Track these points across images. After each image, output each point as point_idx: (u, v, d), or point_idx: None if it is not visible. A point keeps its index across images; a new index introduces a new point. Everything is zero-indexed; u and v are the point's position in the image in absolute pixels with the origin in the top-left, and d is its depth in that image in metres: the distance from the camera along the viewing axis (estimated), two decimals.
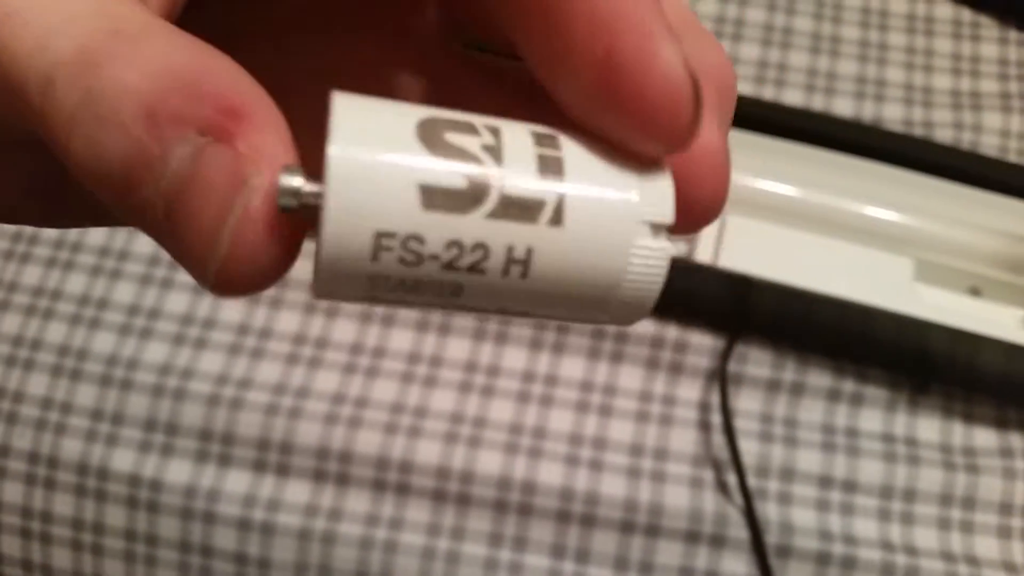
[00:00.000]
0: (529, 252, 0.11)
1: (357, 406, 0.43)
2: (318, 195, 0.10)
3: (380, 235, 0.10)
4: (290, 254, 0.11)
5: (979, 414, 0.44)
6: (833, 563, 0.40)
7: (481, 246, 0.10)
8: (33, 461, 0.43)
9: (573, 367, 0.45)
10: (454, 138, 0.10)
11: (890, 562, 0.40)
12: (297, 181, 0.10)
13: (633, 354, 0.45)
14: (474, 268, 0.11)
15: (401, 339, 0.45)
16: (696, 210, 0.13)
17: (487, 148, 0.10)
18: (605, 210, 0.11)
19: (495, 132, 0.11)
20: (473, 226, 0.10)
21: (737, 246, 0.43)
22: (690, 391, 0.44)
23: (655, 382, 0.44)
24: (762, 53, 0.53)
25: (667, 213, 0.12)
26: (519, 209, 0.10)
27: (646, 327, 0.45)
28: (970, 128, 0.50)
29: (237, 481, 0.42)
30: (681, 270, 0.43)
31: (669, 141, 0.11)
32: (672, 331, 0.45)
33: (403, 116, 0.10)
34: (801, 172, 0.45)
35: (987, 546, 0.41)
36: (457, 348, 0.45)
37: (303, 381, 0.44)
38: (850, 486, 0.42)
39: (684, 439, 0.43)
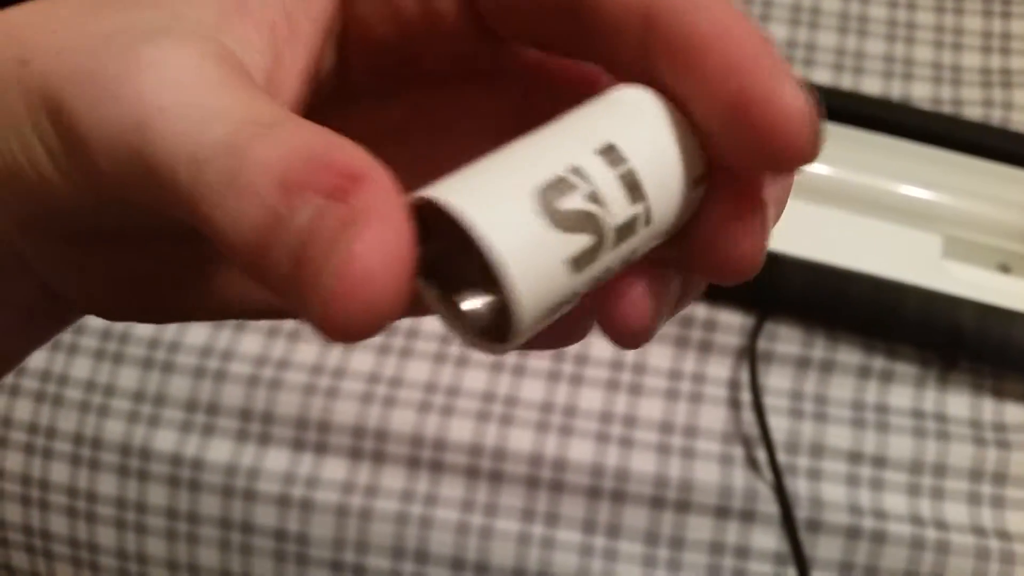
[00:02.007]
0: (635, 251, 0.14)
1: (392, 386, 0.44)
2: (498, 302, 0.12)
3: (551, 309, 0.13)
4: (403, 298, 0.11)
5: (1009, 390, 0.44)
6: (863, 537, 0.40)
7: (608, 269, 0.13)
8: (78, 442, 0.44)
9: (603, 347, 0.45)
10: (564, 202, 0.12)
11: (920, 536, 0.40)
12: (476, 302, 0.13)
13: (663, 333, 0.45)
14: (602, 278, 0.14)
15: (434, 321, 0.46)
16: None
17: (589, 196, 0.13)
18: (671, 194, 0.14)
19: (581, 174, 0.13)
20: (605, 259, 0.13)
21: None
22: (720, 369, 0.44)
23: (685, 360, 0.45)
24: (790, 33, 0.53)
25: (700, 167, 0.14)
26: (627, 229, 0.13)
27: None
28: (1000, 105, 0.50)
29: (276, 459, 0.43)
30: None
31: (788, 166, 0.13)
32: (701, 310, 0.45)
33: (518, 196, 0.12)
34: (830, 150, 0.45)
35: (1018, 520, 0.41)
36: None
37: (339, 362, 0.45)
38: (880, 461, 0.42)
39: (714, 416, 0.43)
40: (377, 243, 0.11)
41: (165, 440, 0.44)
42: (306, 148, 0.12)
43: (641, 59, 0.14)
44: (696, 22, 0.13)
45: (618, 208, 0.13)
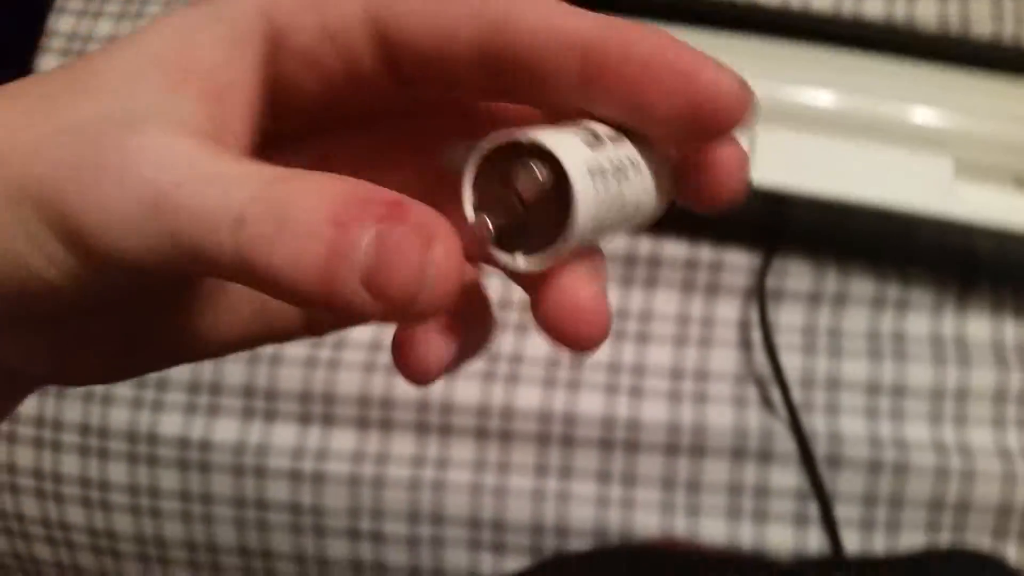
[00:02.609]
0: (629, 203, 0.17)
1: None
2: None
3: (595, 218, 0.15)
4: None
5: None
6: (885, 470, 0.39)
7: (620, 208, 0.16)
8: (85, 433, 0.44)
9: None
10: (596, 149, 0.16)
11: (944, 465, 0.39)
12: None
13: (667, 278, 0.44)
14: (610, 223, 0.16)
15: None
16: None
17: (608, 138, 0.16)
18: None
19: (599, 138, 0.16)
20: (619, 190, 0.16)
21: (769, 160, 0.41)
22: (728, 310, 0.43)
23: (692, 304, 0.44)
24: None
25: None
26: (623, 171, 0.16)
27: (678, 250, 0.44)
28: (1012, 19, 0.48)
29: (284, 435, 0.43)
30: None
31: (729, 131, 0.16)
32: (706, 252, 0.44)
33: (573, 139, 0.16)
34: (831, 77, 0.43)
35: None
36: (490, 287, 0.45)
37: (339, 333, 0.44)
38: (899, 391, 0.41)
39: (725, 359, 0.42)
40: (451, 250, 0.14)
41: (171, 424, 0.44)
42: (341, 187, 0.14)
43: (578, 92, 0.16)
44: (642, 51, 0.15)
45: (619, 157, 0.16)
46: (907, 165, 0.42)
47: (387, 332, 0.44)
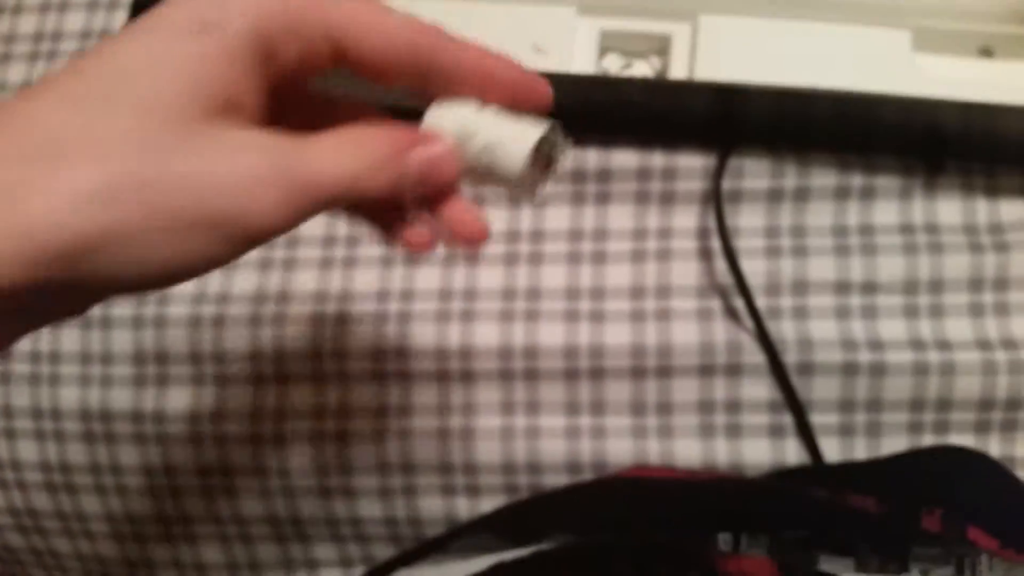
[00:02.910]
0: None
1: (342, 301, 0.42)
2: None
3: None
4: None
5: (1003, 185, 0.40)
6: (861, 372, 0.38)
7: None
8: (37, 417, 0.42)
9: (558, 218, 0.42)
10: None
11: (922, 362, 0.37)
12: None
13: (620, 191, 0.41)
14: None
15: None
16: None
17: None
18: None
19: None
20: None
21: (713, 50, 0.38)
22: (686, 219, 0.41)
23: (647, 217, 0.41)
24: None
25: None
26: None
27: (628, 159, 0.41)
28: None
29: (240, 398, 0.41)
30: (655, 90, 0.39)
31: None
32: (658, 158, 0.41)
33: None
34: None
35: None
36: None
37: (280, 286, 0.42)
38: (870, 288, 0.39)
39: (686, 271, 0.40)
40: (448, 155, 0.24)
41: (122, 398, 0.42)
42: (389, 134, 0.24)
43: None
44: (462, 58, 0.24)
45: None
46: (862, 42, 0.38)
47: (331, 278, 0.42)
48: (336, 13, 0.23)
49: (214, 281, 0.42)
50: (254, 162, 0.21)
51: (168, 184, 0.20)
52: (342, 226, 0.43)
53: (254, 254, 0.42)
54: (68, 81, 0.20)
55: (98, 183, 0.19)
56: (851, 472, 0.38)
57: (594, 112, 0.41)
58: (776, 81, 0.37)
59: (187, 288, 0.42)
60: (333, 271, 0.42)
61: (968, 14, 0.39)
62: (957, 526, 0.34)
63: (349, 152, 0.23)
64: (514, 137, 0.24)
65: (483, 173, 0.25)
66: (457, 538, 0.38)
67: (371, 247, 0.42)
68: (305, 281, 0.42)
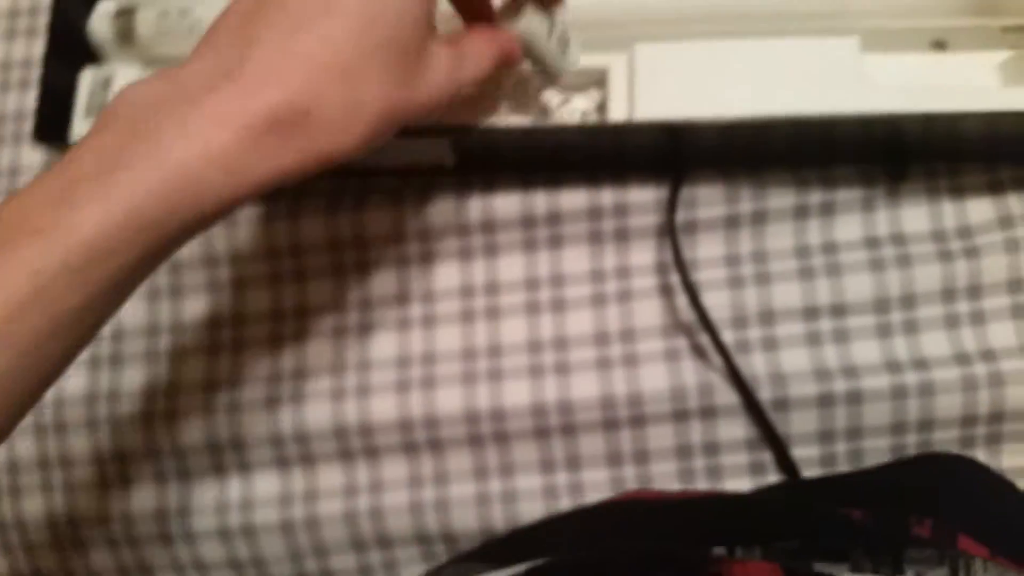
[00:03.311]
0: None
1: (296, 379, 0.40)
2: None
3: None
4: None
5: (969, 184, 0.38)
6: (838, 402, 0.36)
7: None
8: None
9: (512, 267, 0.40)
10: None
11: (900, 385, 0.36)
12: None
13: (572, 233, 0.40)
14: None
15: (320, 293, 0.41)
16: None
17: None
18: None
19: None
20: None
21: (653, 80, 0.36)
22: (643, 256, 0.39)
23: (603, 257, 0.39)
24: None
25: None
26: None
27: (578, 199, 0.39)
28: None
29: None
30: (598, 133, 0.37)
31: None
32: (607, 195, 0.39)
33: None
34: None
35: (1002, 333, 0.37)
36: (385, 283, 0.40)
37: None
38: (839, 310, 0.37)
39: (648, 311, 0.39)
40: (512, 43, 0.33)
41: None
42: (488, 34, 0.32)
43: None
44: None
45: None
46: (808, 55, 0.36)
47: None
48: None
49: (224, 366, 0.40)
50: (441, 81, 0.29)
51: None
52: (288, 302, 0.41)
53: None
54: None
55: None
56: (837, 485, 0.37)
57: (538, 159, 0.39)
58: (721, 107, 0.35)
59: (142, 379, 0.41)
60: (285, 346, 0.40)
61: (918, 10, 0.36)
62: (947, 535, 0.33)
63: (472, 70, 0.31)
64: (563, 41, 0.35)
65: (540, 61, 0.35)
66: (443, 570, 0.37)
67: (322, 320, 0.40)
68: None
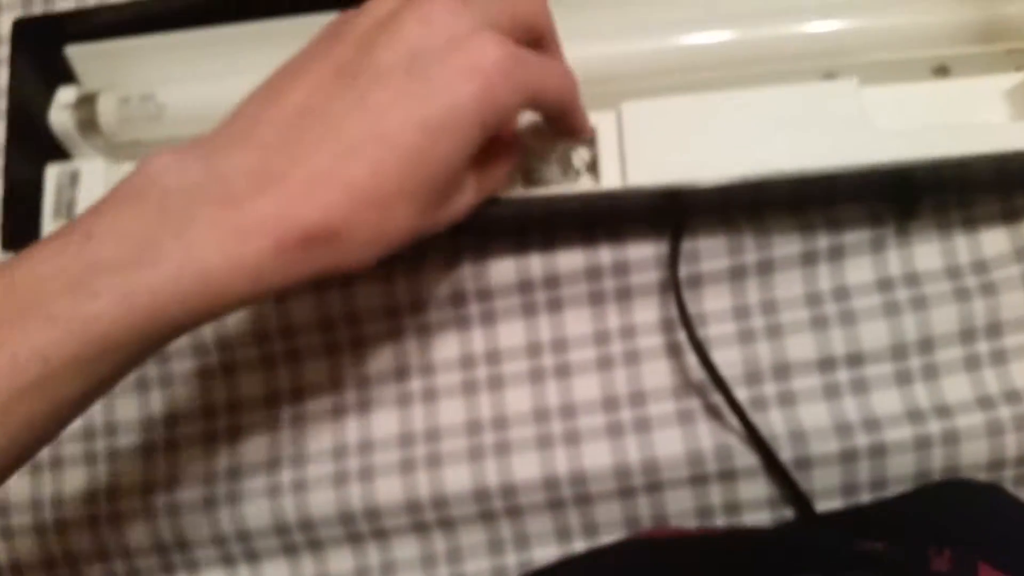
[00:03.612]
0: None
1: (297, 469, 0.38)
2: None
3: None
4: None
5: (981, 215, 0.36)
6: (860, 457, 0.35)
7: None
8: None
9: (512, 334, 0.38)
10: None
11: (923, 435, 0.35)
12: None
13: (572, 295, 0.38)
14: None
15: (317, 373, 0.39)
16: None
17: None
18: None
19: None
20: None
21: (643, 139, 0.34)
22: (647, 313, 0.38)
23: (606, 318, 0.38)
24: None
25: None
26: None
27: (575, 260, 0.38)
28: None
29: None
30: (591, 200, 0.35)
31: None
32: (605, 254, 0.38)
33: None
34: (658, 13, 0.35)
35: None
36: (382, 359, 0.39)
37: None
38: (856, 359, 0.36)
39: (657, 372, 0.37)
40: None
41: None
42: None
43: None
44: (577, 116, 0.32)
45: None
46: (805, 104, 0.33)
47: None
48: (538, 77, 0.28)
49: (222, 460, 0.39)
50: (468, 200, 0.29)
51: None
52: (284, 384, 0.39)
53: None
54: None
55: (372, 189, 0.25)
56: (856, 516, 0.36)
57: (530, 222, 0.37)
58: (718, 165, 0.33)
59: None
60: (283, 430, 0.39)
61: (917, 41, 0.34)
62: (967, 565, 0.32)
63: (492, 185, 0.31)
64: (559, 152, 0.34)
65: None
66: None
67: (320, 401, 0.39)
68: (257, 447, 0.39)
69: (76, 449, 0.40)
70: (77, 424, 0.40)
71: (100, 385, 0.25)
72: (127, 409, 0.40)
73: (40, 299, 0.23)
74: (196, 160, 0.25)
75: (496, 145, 0.30)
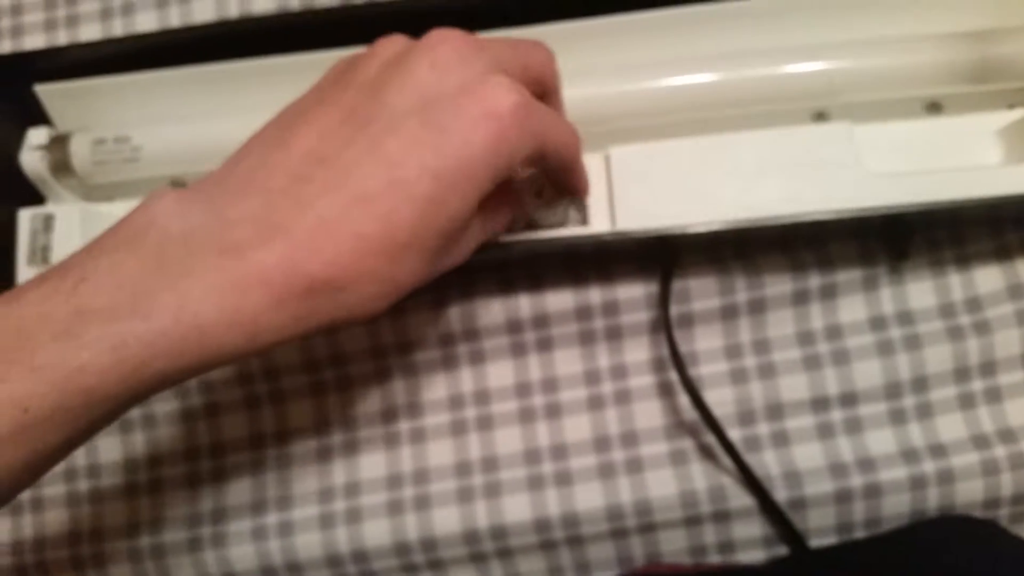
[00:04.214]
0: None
1: (280, 506, 0.38)
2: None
3: None
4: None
5: (974, 253, 0.36)
6: (855, 497, 0.35)
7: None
8: None
9: (501, 374, 0.38)
10: None
11: (918, 475, 0.34)
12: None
13: (561, 335, 0.37)
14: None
15: (302, 414, 0.39)
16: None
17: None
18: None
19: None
20: None
21: (631, 185, 0.33)
22: (638, 353, 0.37)
23: (597, 357, 0.37)
24: None
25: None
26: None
27: (564, 300, 0.37)
28: None
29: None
30: (580, 243, 0.34)
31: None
32: (595, 294, 0.37)
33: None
34: (649, 51, 0.34)
35: (1020, 409, 0.35)
36: (369, 400, 0.38)
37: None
38: (850, 399, 0.36)
39: (649, 412, 0.37)
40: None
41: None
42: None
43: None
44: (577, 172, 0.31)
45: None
46: (796, 148, 0.33)
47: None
48: (547, 128, 0.27)
49: (206, 502, 0.38)
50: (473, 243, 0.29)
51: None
52: (268, 427, 0.38)
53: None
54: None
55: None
56: (851, 552, 0.36)
57: (518, 266, 0.36)
58: (708, 211, 0.32)
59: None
60: (267, 472, 0.38)
61: (910, 81, 0.34)
62: None
63: (494, 228, 0.30)
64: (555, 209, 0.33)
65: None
66: None
67: (305, 443, 0.38)
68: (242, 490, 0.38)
69: (58, 491, 0.40)
70: (59, 465, 0.39)
71: (82, 434, 0.24)
72: (110, 451, 0.39)
73: (24, 345, 0.22)
74: (199, 204, 0.25)
75: (500, 187, 0.29)
